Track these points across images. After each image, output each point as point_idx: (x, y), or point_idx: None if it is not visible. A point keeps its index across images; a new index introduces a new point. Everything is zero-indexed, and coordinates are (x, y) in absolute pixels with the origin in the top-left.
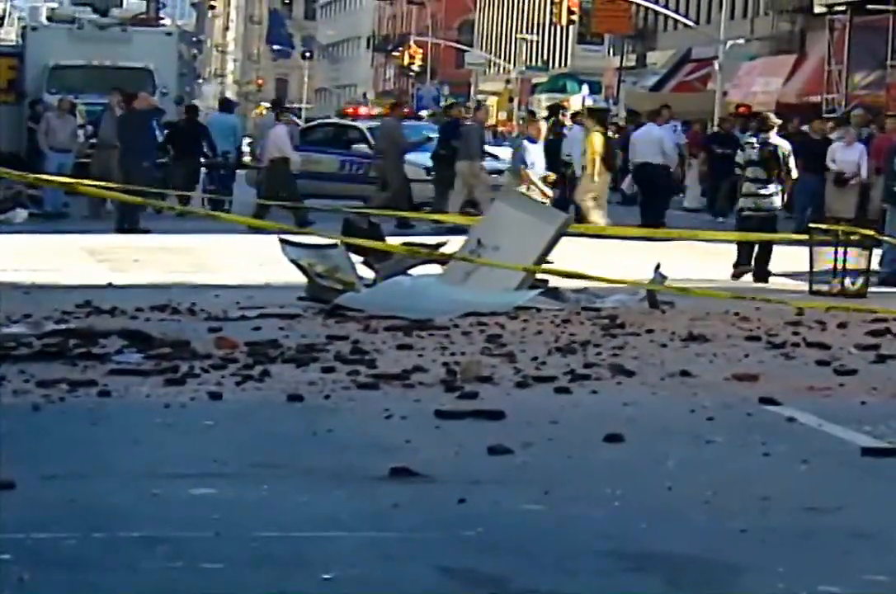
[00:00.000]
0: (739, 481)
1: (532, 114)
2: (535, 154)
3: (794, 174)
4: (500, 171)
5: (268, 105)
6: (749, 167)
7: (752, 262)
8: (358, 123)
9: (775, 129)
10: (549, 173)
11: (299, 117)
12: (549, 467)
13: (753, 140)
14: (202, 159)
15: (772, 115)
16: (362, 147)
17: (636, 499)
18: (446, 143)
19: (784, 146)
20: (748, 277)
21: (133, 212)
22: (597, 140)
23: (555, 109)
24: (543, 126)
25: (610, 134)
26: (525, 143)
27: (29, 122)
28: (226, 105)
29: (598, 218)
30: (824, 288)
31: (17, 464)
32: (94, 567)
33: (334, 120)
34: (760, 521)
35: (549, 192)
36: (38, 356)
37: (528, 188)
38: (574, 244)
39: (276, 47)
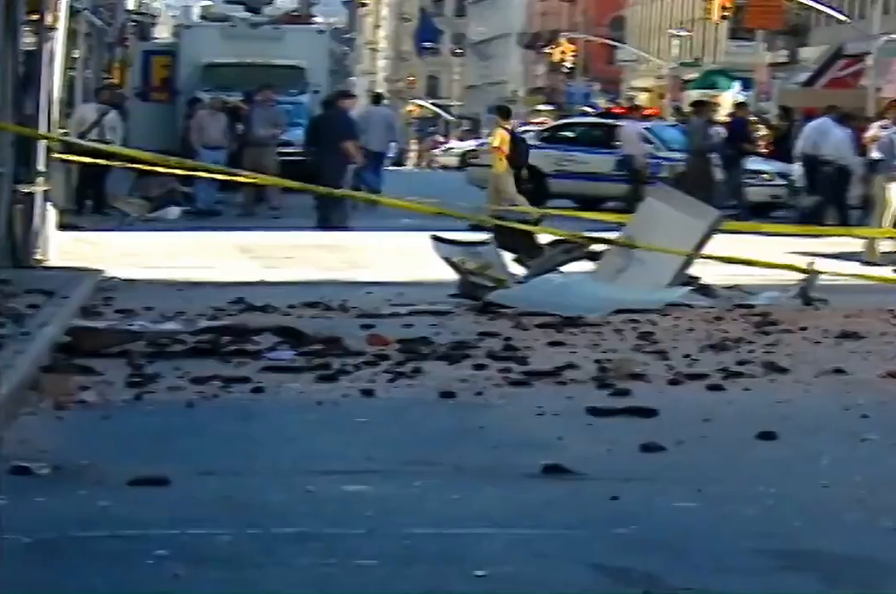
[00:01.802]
0: (895, 479)
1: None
2: None
3: None
4: None
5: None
6: None
7: None
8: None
9: None
10: None
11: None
12: (702, 465)
13: None
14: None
15: None
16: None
17: (790, 497)
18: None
19: None
20: None
21: (332, 209)
22: None
23: (702, 105)
24: None
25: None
26: None
27: (186, 120)
28: (376, 98)
29: None
30: None
31: (172, 460)
32: (248, 563)
33: (593, 119)
34: None
35: None
36: (192, 353)
37: None
38: (727, 241)
39: (425, 45)
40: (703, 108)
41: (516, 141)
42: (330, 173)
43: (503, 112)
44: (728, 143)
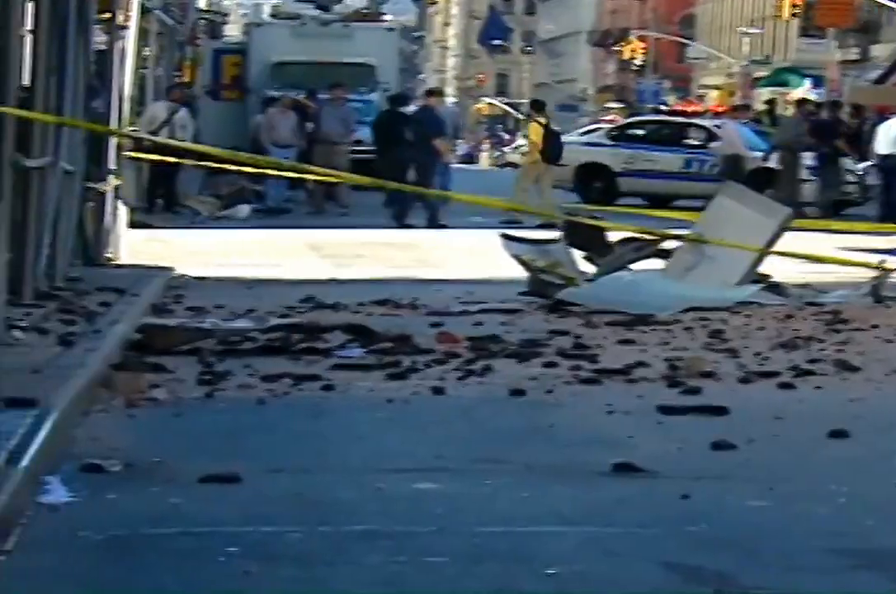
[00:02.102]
0: None
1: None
2: None
3: None
4: None
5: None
6: None
7: None
8: (703, 121)
9: None
10: None
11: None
12: (774, 463)
13: None
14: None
15: None
16: (716, 145)
17: (862, 496)
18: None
19: None
20: None
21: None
22: None
23: (802, 103)
24: None
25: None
26: None
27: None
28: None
29: None
30: None
31: (243, 458)
32: (319, 561)
33: (663, 117)
34: None
35: None
36: (262, 351)
37: None
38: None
39: (495, 42)
40: (801, 105)
41: (550, 135)
42: (421, 171)
43: (537, 106)
44: (823, 141)
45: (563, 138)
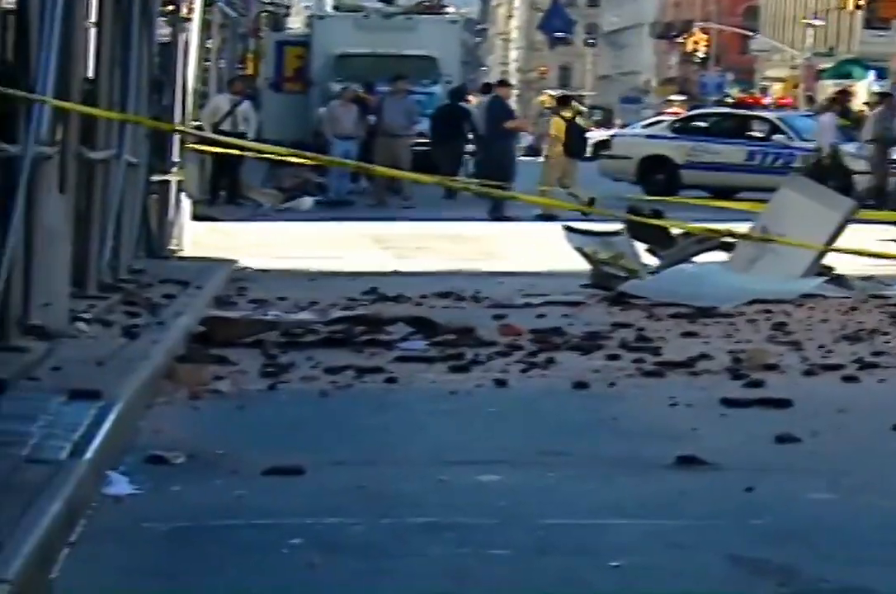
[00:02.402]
0: None
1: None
2: None
3: None
4: None
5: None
6: None
7: None
8: (766, 113)
9: None
10: None
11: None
12: (838, 456)
13: None
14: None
15: None
16: (779, 137)
17: None
18: None
19: None
20: None
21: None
22: None
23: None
24: None
25: None
26: None
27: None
28: (488, 88)
29: None
30: None
31: (307, 450)
32: (382, 553)
33: (726, 110)
34: None
35: None
36: (325, 343)
37: None
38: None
39: (557, 34)
40: (888, 98)
41: (573, 129)
42: (495, 163)
43: (563, 101)
44: None
45: (625, 131)
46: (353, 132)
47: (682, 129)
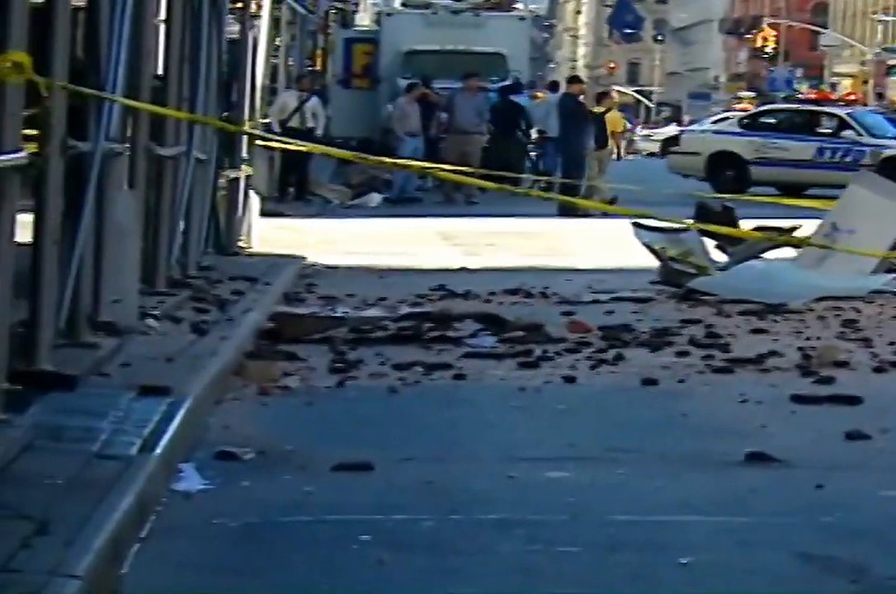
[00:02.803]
0: None
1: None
2: None
3: None
4: None
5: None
6: None
7: None
8: (834, 109)
9: None
10: None
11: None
12: None
13: None
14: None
15: None
16: (849, 133)
17: None
18: None
19: None
20: None
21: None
22: None
23: None
24: None
25: None
26: None
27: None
28: (554, 86)
29: None
30: None
31: (375, 446)
32: (451, 549)
33: (795, 106)
34: None
35: None
36: (394, 339)
37: None
38: None
39: (626, 31)
40: None
41: (598, 123)
42: (572, 160)
43: (599, 96)
44: None
45: (693, 127)
46: (420, 129)
47: (751, 125)
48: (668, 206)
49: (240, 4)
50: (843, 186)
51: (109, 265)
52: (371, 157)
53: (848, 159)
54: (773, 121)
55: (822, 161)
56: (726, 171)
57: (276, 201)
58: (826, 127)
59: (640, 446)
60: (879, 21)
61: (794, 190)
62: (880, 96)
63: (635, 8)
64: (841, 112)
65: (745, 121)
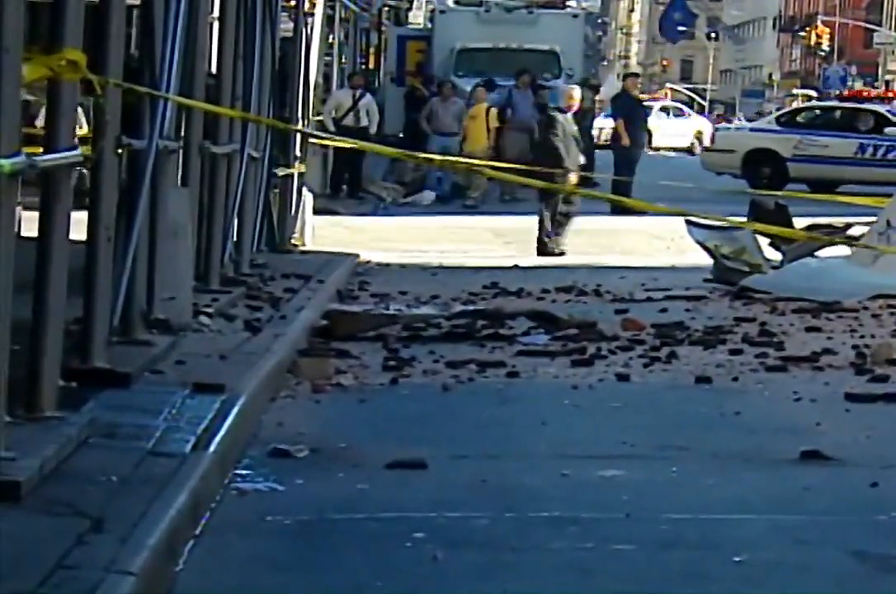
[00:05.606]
0: None
1: None
2: None
3: None
4: None
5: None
6: None
7: None
8: (876, 106)
9: None
10: None
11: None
12: None
13: None
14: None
15: None
16: (891, 130)
17: None
18: None
19: None
20: None
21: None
22: None
23: None
24: None
25: None
26: None
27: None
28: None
29: None
30: None
31: (429, 444)
32: (505, 547)
33: (833, 103)
34: None
35: None
36: (447, 337)
37: None
38: None
39: (679, 28)
40: None
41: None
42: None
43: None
44: None
45: (728, 124)
46: (453, 127)
47: (789, 122)
48: (710, 204)
49: (293, 2)
50: (885, 184)
51: (163, 263)
52: (420, 155)
53: (890, 156)
54: (811, 117)
55: (863, 158)
56: (763, 167)
57: (330, 199)
58: (866, 124)
59: (693, 444)
60: None
61: (827, 186)
62: None
63: (688, 5)
64: (882, 109)
65: (783, 118)
